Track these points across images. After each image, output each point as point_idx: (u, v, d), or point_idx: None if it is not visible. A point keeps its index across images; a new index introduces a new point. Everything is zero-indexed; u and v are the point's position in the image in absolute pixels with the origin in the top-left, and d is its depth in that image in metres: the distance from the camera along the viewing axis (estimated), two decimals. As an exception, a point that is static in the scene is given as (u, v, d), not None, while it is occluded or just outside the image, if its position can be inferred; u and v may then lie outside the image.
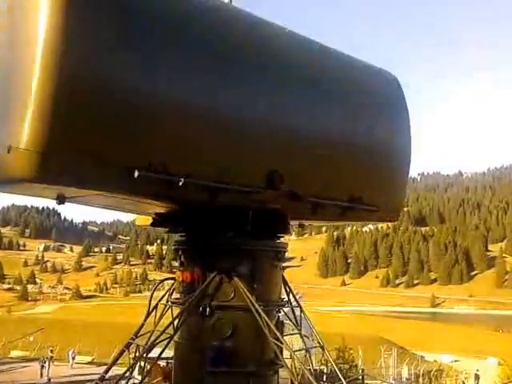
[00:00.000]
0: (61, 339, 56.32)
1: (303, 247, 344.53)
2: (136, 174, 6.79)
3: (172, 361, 9.29)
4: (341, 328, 72.60)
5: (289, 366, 8.53)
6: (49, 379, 34.11)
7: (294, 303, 9.57)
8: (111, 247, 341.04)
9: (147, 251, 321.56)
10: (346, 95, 9.66)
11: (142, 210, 9.57)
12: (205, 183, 7.60)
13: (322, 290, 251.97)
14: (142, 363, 8.93)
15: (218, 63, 7.82)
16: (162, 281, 9.96)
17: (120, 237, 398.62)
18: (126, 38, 6.96)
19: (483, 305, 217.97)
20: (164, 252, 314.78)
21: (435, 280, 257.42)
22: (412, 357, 58.41)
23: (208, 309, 8.53)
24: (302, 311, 9.55)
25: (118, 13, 6.96)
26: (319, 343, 9.35)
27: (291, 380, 8.44)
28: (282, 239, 9.54)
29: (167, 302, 9.60)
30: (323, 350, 9.34)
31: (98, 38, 6.71)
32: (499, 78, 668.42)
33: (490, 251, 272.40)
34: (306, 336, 9.19)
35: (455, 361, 71.31)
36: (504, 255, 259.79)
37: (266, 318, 8.43)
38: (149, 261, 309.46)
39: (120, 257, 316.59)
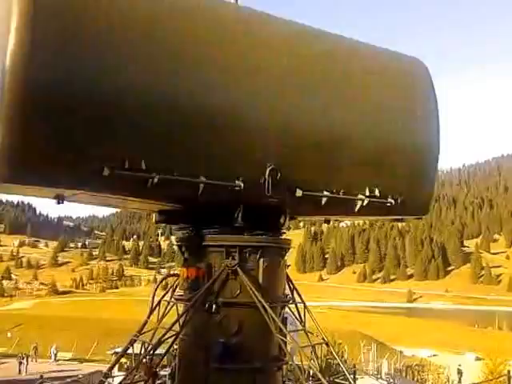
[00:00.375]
0: (39, 336, 55.86)
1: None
2: (106, 172, 6.89)
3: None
4: (319, 323, 72.74)
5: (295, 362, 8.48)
6: (41, 376, 33.88)
7: (298, 300, 9.53)
8: (87, 242, 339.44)
9: (123, 247, 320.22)
10: (365, 85, 9.39)
11: (145, 208, 9.50)
12: (189, 180, 7.58)
13: (299, 286, 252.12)
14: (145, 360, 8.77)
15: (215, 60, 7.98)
16: (165, 277, 9.86)
17: (96, 232, 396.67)
18: (85, 40, 6.97)
19: (459, 300, 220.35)
20: (140, 248, 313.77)
21: (412, 275, 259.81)
22: (391, 352, 58.88)
23: (214, 305, 8.44)
24: (305, 308, 9.51)
25: (77, 19, 6.95)
26: (323, 339, 9.32)
27: (295, 376, 8.41)
28: (283, 235, 9.47)
29: (170, 298, 9.49)
30: (328, 346, 9.32)
31: (59, 44, 6.79)
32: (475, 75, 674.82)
33: (465, 247, 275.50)
34: (310, 332, 9.15)
35: (433, 355, 72.07)
36: (479, 251, 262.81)
37: (273, 315, 8.38)
38: (125, 256, 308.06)
39: (96, 252, 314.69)
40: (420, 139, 10.01)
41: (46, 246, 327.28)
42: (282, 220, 9.00)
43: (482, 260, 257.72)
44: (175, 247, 9.57)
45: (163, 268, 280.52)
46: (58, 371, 43.20)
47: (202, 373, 8.53)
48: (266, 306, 8.30)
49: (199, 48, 7.79)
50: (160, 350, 9.03)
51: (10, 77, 6.46)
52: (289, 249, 9.39)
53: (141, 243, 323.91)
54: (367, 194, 9.22)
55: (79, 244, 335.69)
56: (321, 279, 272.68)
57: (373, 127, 9.35)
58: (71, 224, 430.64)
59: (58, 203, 7.36)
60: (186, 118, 7.50)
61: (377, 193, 9.29)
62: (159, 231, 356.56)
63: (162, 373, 9.64)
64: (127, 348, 9.30)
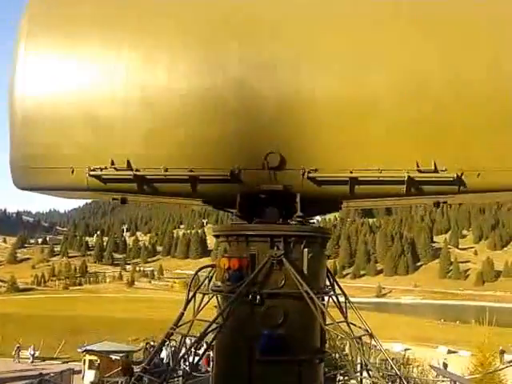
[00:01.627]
0: (1, 334, 54.07)
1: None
2: (89, 172, 7.94)
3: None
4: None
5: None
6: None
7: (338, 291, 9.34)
8: (48, 238, 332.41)
9: (86, 243, 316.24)
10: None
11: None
12: (180, 174, 8.02)
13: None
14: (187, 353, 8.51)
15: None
16: (201, 268, 9.51)
17: (57, 228, 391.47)
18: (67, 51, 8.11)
19: (428, 295, 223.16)
20: (105, 244, 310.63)
21: (381, 271, 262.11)
22: (365, 346, 58.98)
23: (258, 296, 8.21)
24: (346, 299, 9.33)
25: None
26: (367, 331, 9.15)
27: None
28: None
29: (207, 290, 9.22)
30: (372, 337, 9.15)
31: (43, 60, 8.09)
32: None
33: (434, 242, 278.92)
34: (352, 324, 8.97)
35: (406, 349, 72.53)
36: (448, 246, 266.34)
37: (321, 305, 8.20)
38: (88, 253, 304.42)
39: (58, 248, 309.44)
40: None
41: (5, 241, 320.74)
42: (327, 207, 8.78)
43: (450, 255, 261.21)
44: (213, 238, 9.28)
45: (128, 264, 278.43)
46: (28, 370, 42.59)
47: (246, 365, 8.28)
48: (314, 297, 8.11)
49: None
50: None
51: None
52: (329, 238, 9.18)
53: (105, 239, 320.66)
54: (415, 168, 7.61)
55: (39, 240, 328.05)
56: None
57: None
58: (31, 219, 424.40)
59: (122, 203, 8.83)
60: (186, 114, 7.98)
61: (432, 166, 7.56)
62: (124, 227, 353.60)
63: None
64: (164, 341, 9.03)
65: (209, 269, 9.33)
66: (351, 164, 7.82)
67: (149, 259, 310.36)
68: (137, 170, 7.95)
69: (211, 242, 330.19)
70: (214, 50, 8.01)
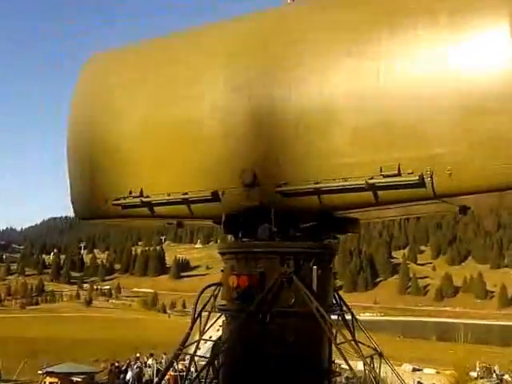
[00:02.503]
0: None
1: (209, 255, 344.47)
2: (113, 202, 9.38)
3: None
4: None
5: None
6: None
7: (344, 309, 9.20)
8: (4, 257, 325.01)
9: (43, 261, 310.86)
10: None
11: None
12: (177, 198, 8.75)
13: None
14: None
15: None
16: (207, 287, 9.24)
17: (14, 246, 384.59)
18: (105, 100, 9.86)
19: (387, 311, 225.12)
20: (62, 262, 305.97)
21: (341, 287, 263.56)
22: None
23: (269, 315, 8.01)
24: (353, 317, 9.18)
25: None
26: (376, 350, 9.01)
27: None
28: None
29: (212, 308, 9.00)
30: (381, 356, 8.99)
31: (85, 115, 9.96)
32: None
33: (393, 258, 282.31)
34: (361, 343, 8.81)
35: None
36: (407, 262, 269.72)
37: (333, 324, 8.05)
38: (45, 271, 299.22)
39: (14, 267, 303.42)
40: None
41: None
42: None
43: (409, 271, 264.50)
44: (219, 255, 9.05)
45: (86, 283, 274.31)
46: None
47: (256, 386, 8.07)
48: (325, 315, 7.96)
49: None
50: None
51: None
52: (335, 255, 9.05)
53: (62, 257, 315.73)
54: (379, 174, 7.20)
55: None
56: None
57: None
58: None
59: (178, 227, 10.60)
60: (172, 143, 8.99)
61: (395, 171, 7.12)
62: (82, 244, 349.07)
63: None
64: (172, 362, 8.75)
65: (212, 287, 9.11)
66: (318, 175, 7.67)
67: (106, 277, 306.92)
68: (147, 197, 9.02)
69: (170, 259, 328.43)
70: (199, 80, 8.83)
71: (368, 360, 8.41)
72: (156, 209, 9.11)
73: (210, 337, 30.30)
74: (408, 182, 7.01)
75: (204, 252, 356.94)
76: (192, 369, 9.09)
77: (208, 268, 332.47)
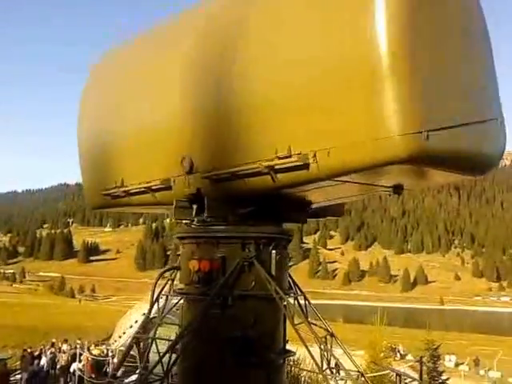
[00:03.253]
0: None
1: (119, 239, 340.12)
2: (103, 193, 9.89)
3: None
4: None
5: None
6: None
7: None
8: None
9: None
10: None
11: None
12: (143, 187, 9.10)
13: (140, 284, 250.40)
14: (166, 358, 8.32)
15: None
16: (165, 271, 9.34)
17: None
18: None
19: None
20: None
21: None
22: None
23: (230, 299, 8.20)
24: (306, 300, 9.51)
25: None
26: (328, 331, 9.38)
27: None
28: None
29: (170, 292, 9.10)
30: (333, 337, 9.38)
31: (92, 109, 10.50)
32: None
33: (304, 243, 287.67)
34: (314, 324, 9.16)
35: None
36: (317, 247, 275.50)
37: (291, 306, 8.33)
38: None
39: None
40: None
41: None
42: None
43: (319, 256, 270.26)
44: (176, 239, 9.18)
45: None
46: None
47: (216, 369, 8.25)
48: (284, 297, 8.24)
49: None
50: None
51: None
52: (291, 240, 9.32)
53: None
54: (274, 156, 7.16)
55: None
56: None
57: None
58: None
59: None
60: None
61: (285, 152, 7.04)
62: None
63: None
64: (131, 347, 8.77)
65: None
66: (238, 160, 7.71)
67: (9, 261, 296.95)
68: (126, 187, 9.41)
69: (78, 242, 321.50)
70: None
71: (322, 341, 8.77)
72: (133, 198, 9.48)
73: (136, 321, 30.06)
74: (295, 164, 6.95)
75: (114, 236, 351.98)
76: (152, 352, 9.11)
77: (118, 252, 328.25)
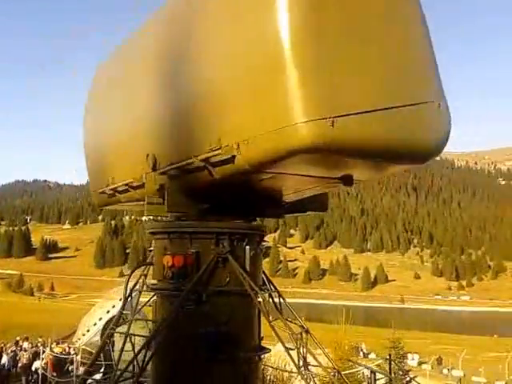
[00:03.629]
0: None
1: (78, 236, 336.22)
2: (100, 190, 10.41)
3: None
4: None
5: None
6: None
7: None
8: None
9: None
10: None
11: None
12: (124, 185, 9.47)
13: (99, 282, 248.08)
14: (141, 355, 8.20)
15: None
16: (138, 266, 9.20)
17: None
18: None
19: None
20: None
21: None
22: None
23: (204, 295, 8.13)
24: (280, 296, 9.48)
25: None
26: (303, 327, 9.36)
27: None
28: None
29: (143, 288, 8.98)
30: (307, 333, 9.36)
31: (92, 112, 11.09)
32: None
33: (265, 241, 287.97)
34: (289, 320, 9.13)
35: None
36: (277, 245, 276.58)
37: (265, 302, 8.30)
38: None
39: None
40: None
41: None
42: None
43: (279, 254, 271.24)
44: (148, 234, 9.08)
45: None
46: None
47: (191, 365, 8.17)
48: (259, 292, 8.21)
49: None
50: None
51: None
52: (265, 236, 9.31)
53: None
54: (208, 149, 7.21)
55: None
56: (122, 275, 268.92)
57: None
58: None
59: None
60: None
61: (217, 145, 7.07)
62: None
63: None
64: (105, 343, 8.62)
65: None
66: (182, 155, 7.81)
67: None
68: (114, 185, 9.77)
69: (36, 239, 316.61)
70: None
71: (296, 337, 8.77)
72: (120, 196, 9.88)
73: (101, 318, 29.69)
74: (224, 156, 6.95)
75: (73, 233, 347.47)
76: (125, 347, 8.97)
77: (77, 250, 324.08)
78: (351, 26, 6.30)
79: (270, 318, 8.49)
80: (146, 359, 8.17)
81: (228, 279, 8.32)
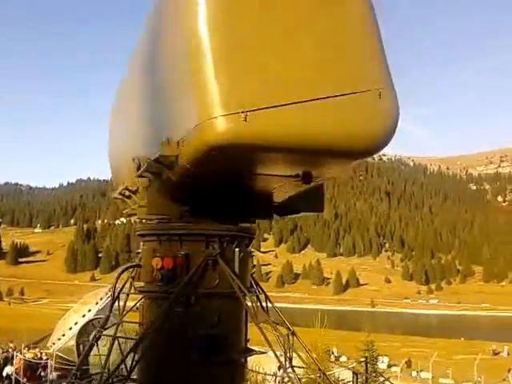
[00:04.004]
0: None
1: (50, 240, 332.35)
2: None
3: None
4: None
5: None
6: None
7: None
8: None
9: None
10: None
11: None
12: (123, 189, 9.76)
13: (71, 286, 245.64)
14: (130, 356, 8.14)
15: None
16: (126, 268, 9.12)
17: None
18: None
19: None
20: None
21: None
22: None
23: (193, 297, 8.11)
24: (267, 298, 9.50)
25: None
26: (289, 329, 9.38)
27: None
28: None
29: (131, 290, 8.92)
30: (294, 335, 9.37)
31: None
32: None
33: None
34: (276, 323, 9.13)
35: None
36: (251, 249, 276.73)
37: (255, 305, 8.30)
38: None
39: None
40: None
41: None
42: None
43: (253, 258, 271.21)
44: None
45: None
46: None
47: (181, 368, 8.13)
48: (248, 296, 8.22)
49: None
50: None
51: None
52: (254, 238, 9.31)
53: None
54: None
55: None
56: (93, 279, 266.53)
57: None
58: None
59: None
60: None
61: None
62: None
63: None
64: (92, 345, 8.53)
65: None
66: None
67: None
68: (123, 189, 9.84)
69: (6, 243, 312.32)
70: None
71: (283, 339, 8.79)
72: (128, 200, 9.91)
73: (76, 323, 29.33)
74: (170, 154, 6.97)
75: (44, 237, 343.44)
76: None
77: (49, 254, 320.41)
78: (272, 14, 6.05)
79: (269, 319, 8.54)
80: (134, 363, 8.10)
81: (217, 281, 8.29)
